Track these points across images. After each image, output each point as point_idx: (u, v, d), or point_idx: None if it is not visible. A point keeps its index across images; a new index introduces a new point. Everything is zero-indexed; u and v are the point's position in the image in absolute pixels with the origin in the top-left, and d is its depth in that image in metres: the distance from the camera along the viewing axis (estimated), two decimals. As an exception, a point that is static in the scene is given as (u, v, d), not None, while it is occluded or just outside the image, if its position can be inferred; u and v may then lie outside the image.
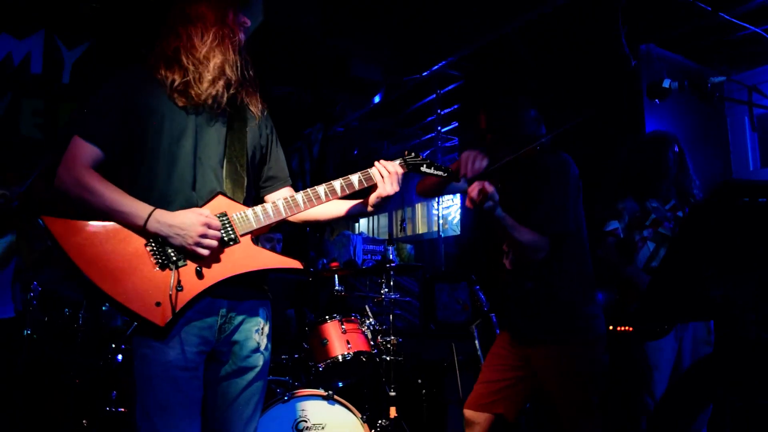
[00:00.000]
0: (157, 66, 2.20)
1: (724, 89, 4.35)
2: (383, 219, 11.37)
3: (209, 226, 2.05)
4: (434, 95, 7.64)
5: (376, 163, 2.36)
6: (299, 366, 4.27)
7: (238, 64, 2.23)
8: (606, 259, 3.81)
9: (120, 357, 4.50)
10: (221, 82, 2.18)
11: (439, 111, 7.73)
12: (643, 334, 3.62)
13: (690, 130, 5.17)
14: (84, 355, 4.77)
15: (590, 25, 5.38)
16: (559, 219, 2.78)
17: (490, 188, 2.49)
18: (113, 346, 4.53)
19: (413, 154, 2.45)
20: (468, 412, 3.01)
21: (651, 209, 3.76)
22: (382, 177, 2.32)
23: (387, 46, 6.48)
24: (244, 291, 2.21)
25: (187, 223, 2.03)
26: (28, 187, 4.26)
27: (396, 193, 2.36)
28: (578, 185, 2.91)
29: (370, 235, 11.44)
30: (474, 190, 2.51)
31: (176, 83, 2.16)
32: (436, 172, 2.47)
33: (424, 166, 2.45)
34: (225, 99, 2.22)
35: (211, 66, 2.16)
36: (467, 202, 2.56)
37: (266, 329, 2.30)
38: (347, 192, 2.32)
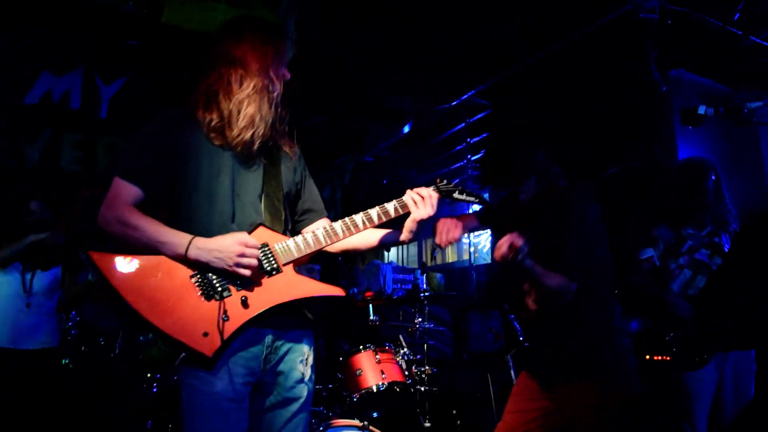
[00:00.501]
0: (197, 105, 2.28)
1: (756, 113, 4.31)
2: (413, 248, 11.35)
3: (247, 246, 2.09)
4: (463, 124, 7.67)
5: (408, 191, 2.39)
6: (333, 396, 4.25)
7: (271, 119, 2.29)
8: (642, 287, 3.75)
9: (156, 387, 4.53)
10: (250, 132, 2.24)
11: (468, 140, 7.75)
12: (682, 364, 3.54)
13: (723, 155, 5.11)
14: (119, 386, 4.83)
15: (618, 52, 5.38)
16: (585, 264, 2.74)
17: (519, 241, 2.45)
18: (148, 375, 4.57)
19: (445, 181, 2.48)
20: None
21: (686, 236, 3.71)
22: (415, 202, 2.35)
23: (417, 76, 6.54)
24: (289, 320, 2.24)
25: (225, 245, 2.07)
26: (70, 222, 4.38)
27: (430, 219, 2.38)
28: (598, 218, 2.85)
29: (400, 264, 11.41)
30: (504, 245, 2.47)
31: (213, 123, 2.24)
32: (468, 198, 2.49)
33: (456, 192, 2.48)
34: (256, 146, 2.28)
35: (242, 115, 2.22)
36: (496, 256, 2.53)
37: (310, 359, 2.32)
38: (384, 220, 2.36)
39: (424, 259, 10.89)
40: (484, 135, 7.80)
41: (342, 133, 7.58)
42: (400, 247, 11.57)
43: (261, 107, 2.25)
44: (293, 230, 2.49)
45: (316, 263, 4.65)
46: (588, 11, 5.12)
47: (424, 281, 4.57)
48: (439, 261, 10.64)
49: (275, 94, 2.29)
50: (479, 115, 7.55)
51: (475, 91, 6.97)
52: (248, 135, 2.23)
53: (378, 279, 9.37)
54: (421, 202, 2.35)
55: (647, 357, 3.85)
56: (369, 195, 8.67)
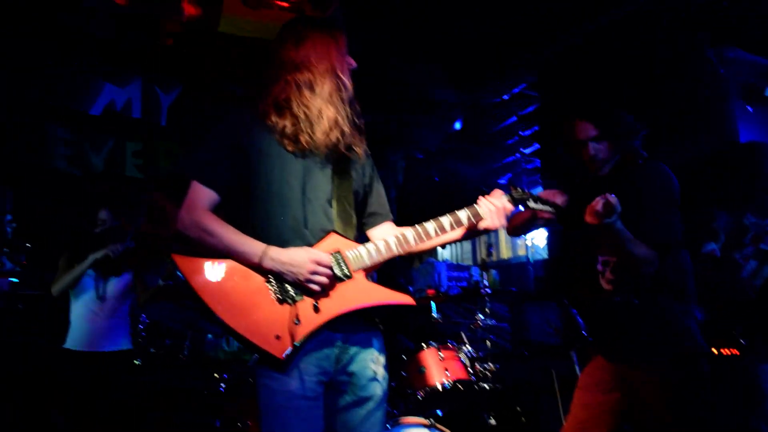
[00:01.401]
0: (267, 112, 2.29)
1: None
2: (467, 245, 11.29)
3: (319, 263, 2.13)
4: (514, 117, 7.61)
5: (481, 199, 2.38)
6: (397, 394, 4.28)
7: (350, 116, 2.30)
8: (706, 280, 3.66)
9: (223, 387, 4.65)
10: (335, 133, 2.26)
11: (520, 132, 7.69)
12: (756, 357, 3.45)
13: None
14: (188, 385, 4.97)
15: (671, 34, 5.24)
16: (669, 230, 2.72)
17: (614, 199, 2.45)
18: (216, 375, 4.68)
19: (519, 189, 2.45)
20: None
21: (749, 225, 3.60)
22: (490, 212, 2.35)
23: (466, 70, 6.52)
24: (357, 323, 2.27)
25: (298, 260, 2.12)
26: (139, 229, 4.52)
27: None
28: (679, 193, 2.83)
29: (454, 261, 11.38)
30: (598, 203, 2.46)
31: (287, 129, 2.26)
32: (543, 207, 2.47)
33: (531, 201, 2.45)
34: (331, 146, 2.29)
35: (325, 119, 2.24)
36: (588, 218, 2.51)
37: (381, 359, 2.33)
38: (455, 228, 2.37)
39: (478, 256, 10.84)
40: (536, 128, 7.73)
41: (392, 131, 7.60)
42: (454, 244, 11.53)
43: (338, 108, 2.27)
44: (360, 231, 2.51)
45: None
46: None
47: (486, 277, 4.53)
48: (494, 258, 10.58)
49: (347, 89, 2.31)
50: (530, 108, 7.48)
51: (525, 84, 6.92)
52: (334, 135, 2.26)
53: (433, 277, 9.38)
54: (495, 212, 2.35)
55: (714, 351, 3.74)
56: (421, 192, 8.67)
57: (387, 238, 2.32)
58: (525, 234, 3.21)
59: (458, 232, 2.46)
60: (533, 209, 2.45)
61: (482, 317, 4.57)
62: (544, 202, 2.46)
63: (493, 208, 2.35)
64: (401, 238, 2.31)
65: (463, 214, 2.36)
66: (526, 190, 2.46)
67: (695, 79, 5.12)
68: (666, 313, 2.73)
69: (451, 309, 6.14)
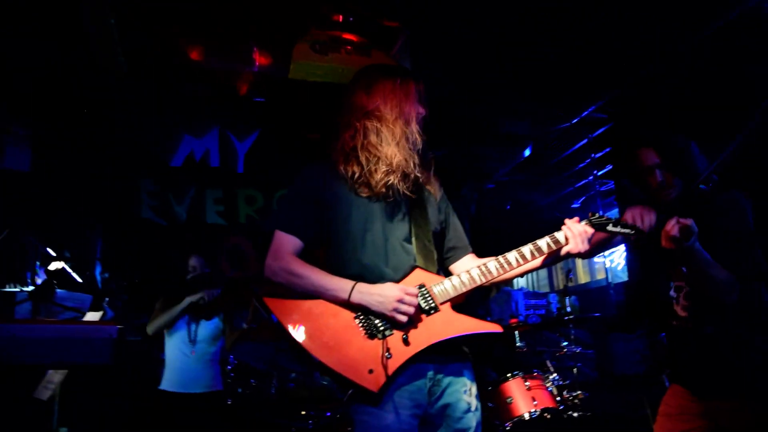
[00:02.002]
0: (338, 161, 2.40)
1: None
2: (543, 272, 11.13)
3: (406, 293, 2.18)
4: (585, 140, 7.52)
5: (563, 226, 2.39)
6: (484, 425, 4.24)
7: (415, 161, 2.36)
8: None
9: (311, 423, 4.72)
10: (393, 180, 2.32)
11: (592, 155, 7.59)
12: None
13: None
14: (276, 422, 5.07)
15: (745, 52, 5.10)
16: (749, 259, 2.61)
17: (688, 221, 2.36)
18: (303, 413, 4.77)
19: (597, 214, 2.43)
20: None
21: None
22: (570, 239, 2.36)
23: (532, 99, 6.52)
24: (447, 354, 2.29)
25: (386, 291, 2.19)
26: (224, 273, 4.72)
27: (581, 255, 2.38)
28: (752, 219, 2.72)
29: (531, 289, 11.21)
30: (674, 227, 2.37)
31: (356, 176, 2.35)
32: (623, 231, 2.44)
33: (611, 225, 2.43)
34: (400, 192, 2.35)
35: (386, 164, 2.32)
36: (665, 242, 2.45)
37: (473, 390, 2.35)
38: (536, 257, 2.38)
39: (555, 283, 10.65)
40: (608, 150, 7.60)
41: (462, 163, 7.64)
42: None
43: (402, 153, 2.33)
44: (441, 265, 2.54)
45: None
46: (705, 14, 4.92)
47: (568, 304, 4.47)
48: (572, 283, 10.36)
49: (413, 137, 2.37)
50: (600, 130, 7.38)
51: (594, 107, 6.84)
52: (390, 182, 2.32)
53: (510, 306, 9.26)
54: (577, 237, 2.35)
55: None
56: (494, 222, 8.64)
57: (470, 270, 2.35)
58: (602, 252, 3.13)
59: (539, 260, 2.46)
60: (612, 233, 2.44)
61: (567, 344, 4.50)
62: (624, 225, 2.44)
63: (575, 231, 2.36)
64: (483, 269, 2.35)
65: (543, 243, 2.38)
66: (603, 215, 2.44)
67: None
68: (748, 345, 2.60)
69: (534, 337, 6.05)
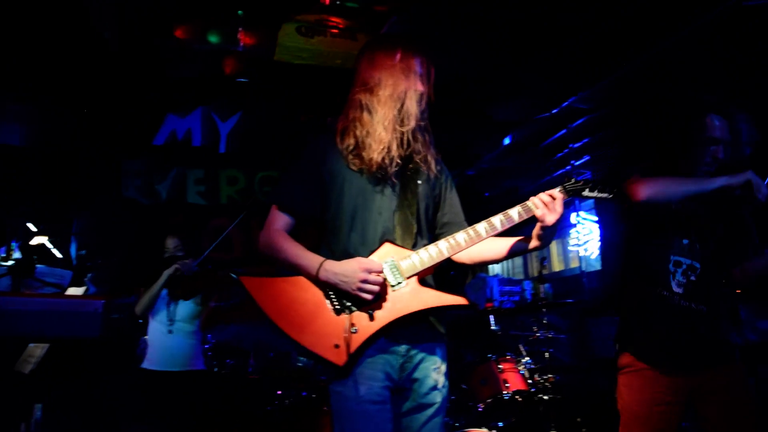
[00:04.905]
0: (337, 132, 2.43)
1: None
2: (518, 259, 11.26)
3: (369, 271, 2.21)
4: (564, 130, 7.61)
5: (538, 196, 2.34)
6: (458, 406, 4.35)
7: (407, 141, 2.37)
8: None
9: (287, 401, 4.79)
10: (382, 156, 2.33)
11: (570, 145, 7.69)
12: None
13: None
14: (253, 402, 5.13)
15: (728, 46, 5.19)
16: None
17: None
18: (279, 393, 4.84)
19: (573, 180, 2.39)
20: None
21: None
22: (542, 206, 2.31)
23: (520, 88, 6.57)
24: (422, 333, 2.34)
25: (349, 270, 2.22)
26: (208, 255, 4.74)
27: (558, 222, 2.30)
28: None
29: (506, 276, 11.36)
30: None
31: (350, 148, 2.38)
32: (600, 195, 2.39)
33: (587, 189, 2.38)
34: (391, 168, 2.35)
35: (374, 139, 2.33)
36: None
37: (443, 368, 2.39)
38: (507, 226, 2.35)
39: (529, 270, 10.79)
40: (586, 140, 7.70)
41: (445, 148, 7.68)
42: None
43: (390, 136, 2.34)
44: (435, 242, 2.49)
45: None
46: (686, 9, 4.99)
47: (531, 291, 4.58)
48: (546, 270, 10.50)
49: (407, 117, 2.36)
50: (580, 120, 7.47)
51: (576, 97, 6.92)
52: (380, 158, 2.33)
53: (485, 292, 9.39)
54: (545, 206, 2.31)
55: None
56: (472, 209, 8.71)
57: (439, 243, 2.34)
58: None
59: (506, 246, 2.44)
60: (589, 197, 2.40)
61: (540, 329, 4.61)
62: (602, 189, 2.38)
63: (546, 199, 2.31)
64: (452, 241, 2.33)
65: (514, 211, 2.35)
66: (580, 180, 2.39)
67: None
68: (730, 320, 2.78)
69: (508, 322, 6.17)
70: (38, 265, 4.62)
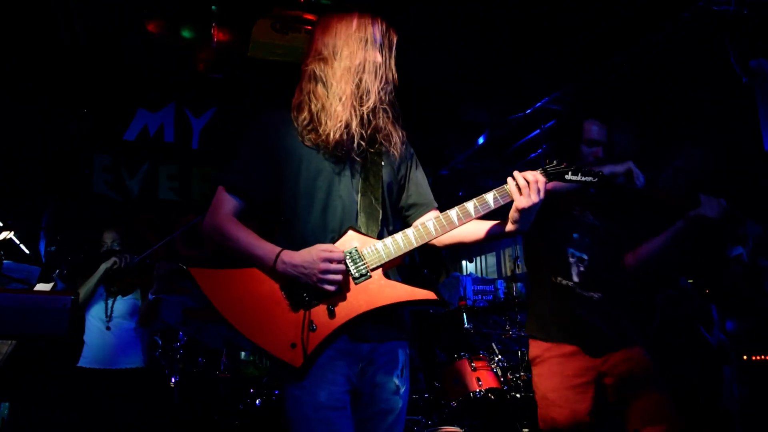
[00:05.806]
0: (292, 106, 2.23)
1: None
2: (491, 258, 11.32)
3: (331, 261, 2.00)
4: (538, 131, 7.68)
5: (512, 176, 2.13)
6: (431, 405, 4.36)
7: (366, 117, 2.18)
8: (735, 287, 3.72)
9: (259, 402, 4.74)
10: (340, 133, 2.14)
11: (544, 146, 7.75)
12: None
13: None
14: (225, 401, 5.08)
15: (694, 48, 5.30)
16: None
17: None
18: (252, 391, 4.79)
19: (555, 162, 2.20)
20: None
21: None
22: (519, 190, 2.10)
23: (493, 88, 6.62)
24: (385, 331, 2.16)
25: (309, 260, 2.00)
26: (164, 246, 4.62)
27: (535, 207, 2.11)
28: None
29: (479, 275, 11.41)
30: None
31: (305, 122, 2.18)
32: (583, 179, 2.20)
33: (570, 173, 2.19)
34: (354, 146, 2.17)
35: (330, 114, 2.14)
36: None
37: (405, 372, 2.22)
38: (482, 213, 2.14)
39: (503, 270, 10.86)
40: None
41: (419, 147, 7.69)
42: (478, 258, 11.57)
43: (347, 111, 2.14)
44: (404, 225, 2.32)
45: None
46: (658, 11, 5.09)
47: (504, 290, 4.61)
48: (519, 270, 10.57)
49: (365, 91, 2.16)
50: (553, 121, 7.54)
51: (549, 98, 6.99)
52: (337, 135, 2.13)
53: (458, 291, 9.42)
54: (526, 188, 2.09)
55: (744, 357, 3.77)
56: (447, 208, 8.74)
57: (407, 230, 2.14)
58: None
59: (483, 229, 2.25)
60: (571, 181, 2.20)
61: (513, 328, 4.64)
62: (585, 173, 2.20)
63: (523, 182, 2.10)
64: (422, 229, 2.13)
65: (490, 196, 2.15)
66: (563, 163, 2.20)
67: (721, 89, 5.17)
68: (623, 306, 2.93)
69: (481, 321, 6.20)
70: (5, 261, 4.49)
